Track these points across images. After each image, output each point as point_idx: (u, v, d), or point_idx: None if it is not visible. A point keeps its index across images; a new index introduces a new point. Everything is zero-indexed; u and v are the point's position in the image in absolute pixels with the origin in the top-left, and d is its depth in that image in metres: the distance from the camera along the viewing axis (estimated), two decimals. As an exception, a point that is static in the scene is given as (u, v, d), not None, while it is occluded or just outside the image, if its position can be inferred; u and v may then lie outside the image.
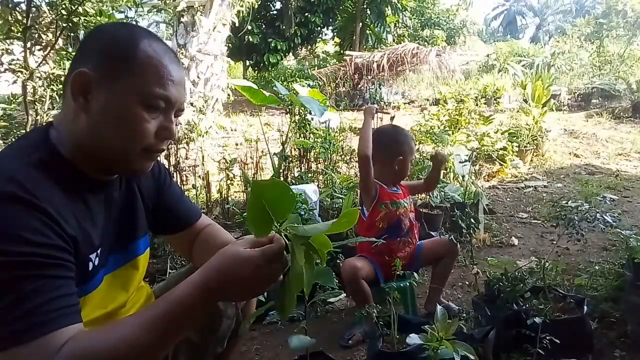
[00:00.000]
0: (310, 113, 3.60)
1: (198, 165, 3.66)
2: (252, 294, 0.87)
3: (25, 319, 0.72)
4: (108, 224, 0.97)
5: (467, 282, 2.67)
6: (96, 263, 0.92)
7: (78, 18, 2.98)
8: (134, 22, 4.41)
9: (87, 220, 0.90)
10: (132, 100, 0.88)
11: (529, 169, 5.75)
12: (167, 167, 3.13)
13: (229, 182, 3.46)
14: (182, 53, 7.11)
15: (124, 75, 0.88)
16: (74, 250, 0.82)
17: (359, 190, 2.44)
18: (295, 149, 3.72)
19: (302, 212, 2.53)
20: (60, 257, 0.78)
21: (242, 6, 7.70)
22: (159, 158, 1.15)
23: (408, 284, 2.06)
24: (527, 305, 1.74)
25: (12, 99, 3.77)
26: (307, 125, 3.75)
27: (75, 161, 0.90)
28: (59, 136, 0.90)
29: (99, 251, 0.92)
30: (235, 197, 3.67)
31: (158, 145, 0.94)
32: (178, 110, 0.96)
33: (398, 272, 1.80)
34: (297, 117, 3.70)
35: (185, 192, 3.36)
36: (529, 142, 5.90)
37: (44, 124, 0.97)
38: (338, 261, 2.22)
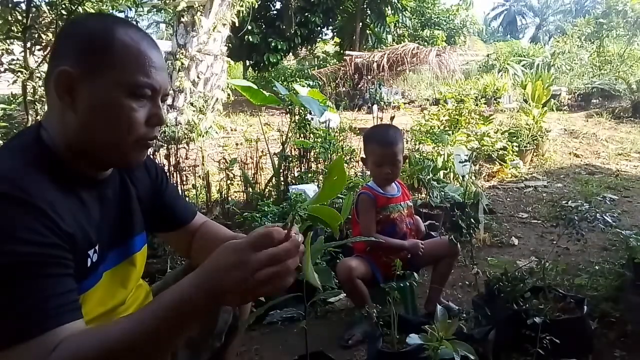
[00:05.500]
0: (310, 113, 3.60)
1: (198, 165, 3.66)
2: (254, 297, 0.76)
3: (23, 318, 0.72)
4: (103, 221, 0.97)
5: (467, 282, 2.67)
6: (94, 259, 0.92)
7: (78, 18, 2.97)
8: (133, 22, 4.41)
9: (83, 216, 0.89)
10: (117, 93, 0.88)
11: (529, 169, 5.75)
12: (166, 167, 3.14)
13: (229, 182, 3.46)
14: (182, 53, 7.12)
15: (104, 68, 0.87)
16: (72, 247, 0.82)
17: (357, 191, 2.44)
18: (295, 149, 3.72)
19: (302, 213, 2.53)
20: (57, 255, 0.78)
21: (242, 6, 7.71)
22: (157, 159, 1.15)
23: (408, 284, 2.05)
24: (527, 305, 1.74)
25: (12, 99, 3.76)
26: (307, 125, 3.74)
27: (67, 159, 0.90)
28: (49, 136, 0.90)
29: (96, 247, 0.92)
30: (235, 197, 3.67)
31: (150, 134, 0.94)
32: (164, 95, 0.96)
33: (398, 272, 1.79)
34: (297, 117, 3.70)
35: (185, 192, 3.37)
36: (529, 142, 5.90)
37: (34, 124, 0.96)
38: (338, 261, 2.22)
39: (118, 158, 0.94)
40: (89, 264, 0.90)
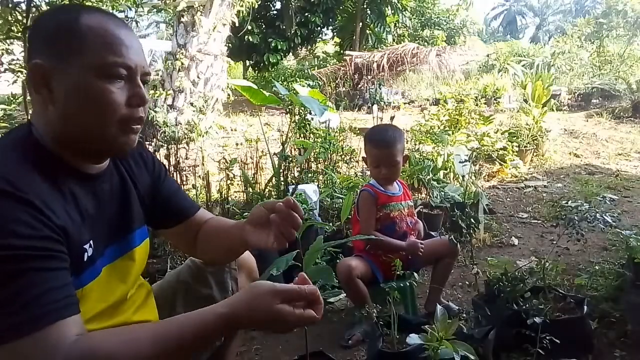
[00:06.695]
0: (310, 113, 3.60)
1: (198, 165, 3.66)
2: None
3: (23, 312, 0.72)
4: (100, 216, 0.96)
5: (467, 282, 2.68)
6: (90, 253, 0.91)
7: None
8: (134, 22, 4.41)
9: (76, 211, 0.89)
10: (90, 77, 0.87)
11: (529, 169, 5.75)
12: (166, 166, 3.13)
13: (229, 182, 3.46)
14: (182, 53, 7.12)
15: (73, 55, 0.86)
16: (66, 240, 0.82)
17: (358, 190, 2.44)
18: (295, 149, 3.72)
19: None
20: (51, 249, 0.78)
21: (242, 6, 7.69)
22: (158, 155, 1.15)
23: (408, 284, 2.06)
24: (527, 305, 1.74)
25: (12, 99, 3.76)
26: (307, 125, 3.75)
27: (58, 153, 0.90)
28: (38, 132, 0.90)
29: (91, 242, 0.92)
30: (235, 197, 3.67)
31: (133, 114, 0.92)
32: (143, 74, 0.94)
33: (398, 272, 1.80)
34: (297, 117, 3.70)
35: (185, 192, 3.36)
36: (529, 142, 5.90)
37: (26, 121, 0.96)
38: (338, 261, 2.22)
39: (105, 144, 0.92)
40: (85, 258, 0.90)
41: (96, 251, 0.93)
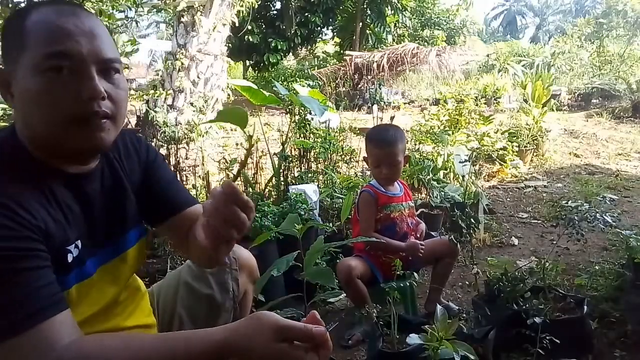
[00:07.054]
0: (310, 113, 3.60)
1: (198, 165, 3.66)
2: None
3: (15, 312, 0.72)
4: (87, 218, 0.94)
5: (467, 282, 2.68)
6: (76, 254, 0.89)
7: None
8: (134, 22, 4.40)
9: (58, 212, 0.87)
10: (34, 74, 0.81)
11: (529, 169, 5.75)
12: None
13: (229, 182, 3.45)
14: (182, 53, 7.12)
15: (21, 55, 0.82)
16: (46, 240, 0.81)
17: (358, 190, 2.44)
18: (295, 149, 3.72)
19: (302, 212, 2.53)
20: (32, 248, 0.77)
21: (242, 6, 7.69)
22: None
23: (408, 284, 2.05)
24: (527, 305, 1.74)
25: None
26: (307, 125, 3.74)
27: (40, 156, 0.88)
28: (20, 134, 0.89)
29: (78, 243, 0.90)
30: (235, 197, 3.66)
31: (88, 109, 0.83)
32: (101, 62, 0.85)
33: (398, 272, 1.80)
34: (297, 117, 3.70)
35: (183, 186, 3.36)
36: (529, 142, 5.90)
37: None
38: (338, 261, 2.22)
39: (66, 143, 0.85)
40: (69, 259, 0.88)
41: (85, 252, 0.92)
